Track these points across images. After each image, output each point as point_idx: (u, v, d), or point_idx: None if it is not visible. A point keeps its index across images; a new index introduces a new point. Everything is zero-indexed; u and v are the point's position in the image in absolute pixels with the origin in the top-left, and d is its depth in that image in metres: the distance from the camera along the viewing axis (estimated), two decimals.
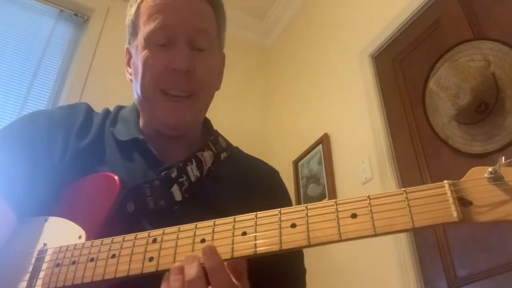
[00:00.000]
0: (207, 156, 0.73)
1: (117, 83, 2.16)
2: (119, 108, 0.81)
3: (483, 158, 1.47)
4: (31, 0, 2.62)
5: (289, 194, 0.85)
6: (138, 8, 0.74)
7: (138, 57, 0.72)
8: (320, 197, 2.21)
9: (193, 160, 0.70)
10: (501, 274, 1.33)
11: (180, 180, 0.66)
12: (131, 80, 0.78)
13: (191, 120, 0.73)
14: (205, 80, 0.72)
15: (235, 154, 0.83)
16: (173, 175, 0.66)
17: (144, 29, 0.71)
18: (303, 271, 0.76)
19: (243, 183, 0.76)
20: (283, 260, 0.69)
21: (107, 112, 0.79)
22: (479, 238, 1.42)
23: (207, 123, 0.85)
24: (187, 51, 0.69)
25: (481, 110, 1.46)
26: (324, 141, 2.31)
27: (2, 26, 2.48)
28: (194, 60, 0.70)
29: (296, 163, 2.54)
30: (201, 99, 0.73)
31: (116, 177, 0.62)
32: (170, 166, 0.68)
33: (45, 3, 2.67)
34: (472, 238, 1.45)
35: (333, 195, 2.11)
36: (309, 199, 2.31)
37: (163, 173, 0.66)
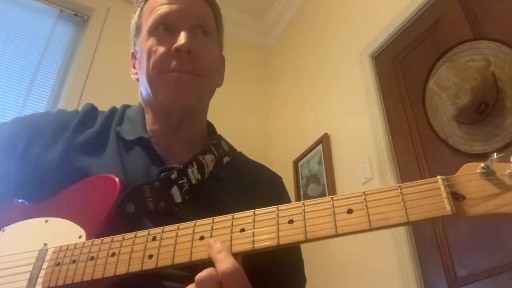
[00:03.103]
0: (208, 160, 0.74)
1: (117, 83, 2.17)
2: (125, 107, 0.82)
3: (483, 158, 1.47)
4: (31, 0, 2.63)
5: (291, 200, 0.85)
6: (142, 10, 0.79)
7: (143, 50, 0.74)
8: (320, 197, 2.21)
9: (194, 163, 0.71)
10: (501, 274, 1.33)
11: (180, 182, 0.67)
12: (137, 79, 0.79)
13: (195, 99, 0.73)
14: (207, 64, 0.74)
15: (238, 159, 0.83)
16: (173, 176, 0.66)
17: (147, 22, 0.75)
18: (303, 280, 0.76)
19: (245, 187, 0.76)
20: (283, 267, 0.70)
21: (113, 110, 0.80)
22: (479, 238, 1.42)
23: (211, 127, 0.86)
24: (189, 34, 0.72)
25: (481, 110, 1.46)
26: (324, 141, 2.31)
27: (2, 26, 2.48)
28: (196, 44, 0.72)
29: (296, 163, 2.54)
30: (204, 83, 0.74)
31: (116, 179, 0.62)
32: (170, 168, 0.68)
33: (45, 3, 2.67)
34: (472, 238, 1.45)
35: (333, 195, 2.11)
36: (309, 199, 2.30)
37: (162, 174, 0.66)
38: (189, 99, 0.72)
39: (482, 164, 0.43)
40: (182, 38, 0.70)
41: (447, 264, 1.51)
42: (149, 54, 0.72)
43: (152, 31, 0.73)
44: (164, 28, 0.73)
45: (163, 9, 0.73)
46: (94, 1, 2.79)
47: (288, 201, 0.83)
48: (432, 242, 1.58)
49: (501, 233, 1.36)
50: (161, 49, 0.71)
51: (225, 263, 0.45)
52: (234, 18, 3.21)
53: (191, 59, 0.71)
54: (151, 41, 0.73)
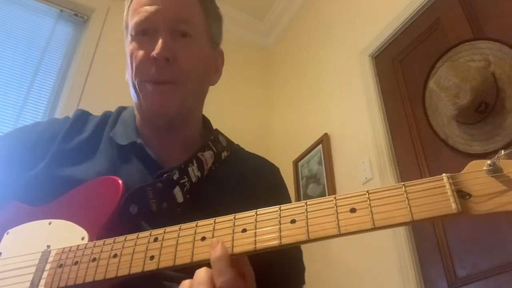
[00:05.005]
0: (207, 156, 0.74)
1: (117, 83, 2.16)
2: (121, 110, 0.81)
3: (483, 158, 1.46)
4: (31, 0, 2.62)
5: (289, 191, 0.86)
6: (128, 8, 0.78)
7: (127, 53, 0.74)
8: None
9: (194, 161, 0.70)
10: (501, 274, 1.33)
11: (182, 181, 0.66)
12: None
13: (176, 107, 0.71)
14: (188, 67, 0.72)
15: (236, 153, 0.83)
16: (175, 177, 0.66)
17: (130, 24, 0.74)
18: (302, 268, 0.77)
19: (244, 182, 0.76)
20: (282, 258, 0.69)
21: (106, 114, 0.80)
22: (479, 238, 1.42)
23: (206, 123, 0.85)
24: (167, 40, 0.70)
25: (481, 110, 1.46)
26: (324, 141, 2.31)
27: (2, 26, 2.48)
28: (175, 48, 0.70)
29: (296, 163, 2.54)
30: (187, 87, 0.72)
31: (119, 180, 0.62)
32: (171, 168, 0.68)
33: (45, 3, 2.67)
34: (472, 238, 1.45)
35: (333, 195, 2.11)
36: (309, 199, 2.31)
37: (165, 175, 0.66)
38: (170, 108, 0.71)
39: (489, 161, 0.42)
40: (158, 46, 0.68)
41: (447, 264, 1.51)
42: (131, 58, 0.72)
43: (133, 35, 0.73)
44: (143, 33, 0.72)
45: (143, 12, 0.72)
46: (94, 1, 2.78)
47: (286, 193, 0.84)
48: (432, 242, 1.58)
49: (501, 233, 1.36)
50: (141, 54, 0.70)
51: (222, 277, 0.45)
52: (234, 18, 3.21)
53: (170, 65, 0.69)
54: (133, 45, 0.72)
